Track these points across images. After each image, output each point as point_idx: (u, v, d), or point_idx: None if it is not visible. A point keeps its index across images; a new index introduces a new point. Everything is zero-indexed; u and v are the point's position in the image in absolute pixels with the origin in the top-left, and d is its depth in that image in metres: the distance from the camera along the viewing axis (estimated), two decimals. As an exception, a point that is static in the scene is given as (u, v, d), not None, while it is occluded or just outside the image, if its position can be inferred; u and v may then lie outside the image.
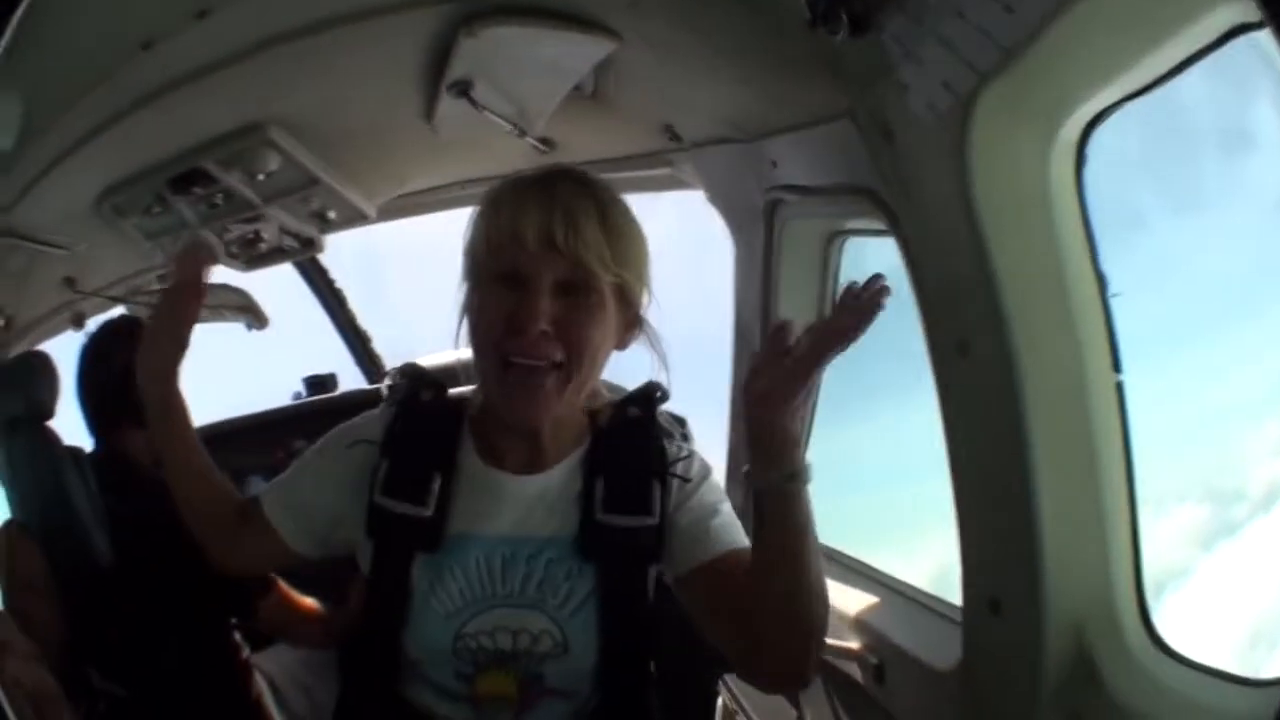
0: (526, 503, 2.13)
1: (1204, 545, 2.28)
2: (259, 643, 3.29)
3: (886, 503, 3.46)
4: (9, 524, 3.15)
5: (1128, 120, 1.86)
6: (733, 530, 2.14)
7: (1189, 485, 2.31)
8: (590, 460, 2.17)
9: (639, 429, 2.20)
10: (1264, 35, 1.30)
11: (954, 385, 2.16)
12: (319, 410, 5.15)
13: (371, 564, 2.15)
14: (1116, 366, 1.91)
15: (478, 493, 2.14)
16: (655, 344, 2.16)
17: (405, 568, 2.11)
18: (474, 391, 2.26)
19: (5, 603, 3.01)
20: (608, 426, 2.20)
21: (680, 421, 2.35)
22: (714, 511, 2.15)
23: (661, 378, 2.23)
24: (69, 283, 4.22)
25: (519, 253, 1.94)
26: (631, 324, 2.11)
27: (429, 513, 2.09)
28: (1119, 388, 1.91)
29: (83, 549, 3.09)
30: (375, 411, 2.25)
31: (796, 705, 3.16)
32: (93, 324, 4.24)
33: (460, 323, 2.13)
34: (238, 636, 3.29)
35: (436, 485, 2.11)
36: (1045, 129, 1.84)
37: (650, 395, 2.22)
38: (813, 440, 3.50)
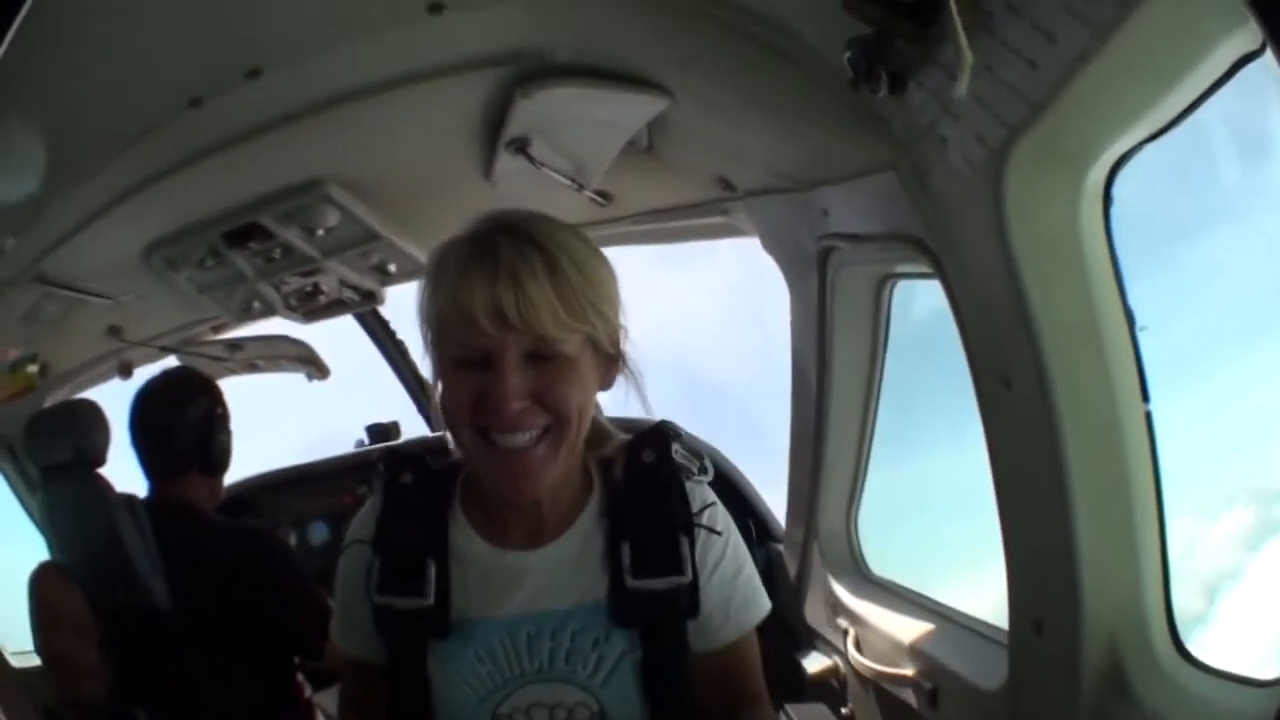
0: (540, 578, 2.06)
1: (1252, 546, 2.34)
2: (322, 682, 3.35)
3: (944, 532, 3.53)
4: (47, 565, 3.28)
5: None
6: (748, 607, 2.11)
7: (1236, 489, 2.36)
8: (611, 519, 2.07)
9: (658, 477, 2.09)
10: (1268, 59, 1.37)
11: (998, 419, 2.28)
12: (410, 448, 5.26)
13: (387, 659, 2.10)
14: (1145, 397, 2.02)
15: (486, 576, 2.07)
16: (638, 379, 2.05)
17: (419, 659, 2.06)
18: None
19: (42, 641, 3.11)
20: (624, 477, 2.10)
21: (698, 455, 2.16)
22: (735, 585, 2.10)
23: (640, 404, 2.10)
24: (114, 331, 4.30)
25: (475, 335, 1.83)
26: (611, 363, 2.00)
27: (429, 602, 2.03)
28: (1148, 417, 2.03)
29: (137, 591, 3.19)
30: (369, 504, 2.17)
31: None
32: (140, 373, 4.40)
33: (434, 395, 2.01)
34: (300, 677, 3.41)
35: (432, 573, 2.04)
36: (1074, 175, 1.97)
37: (663, 436, 2.11)
38: (870, 475, 3.65)
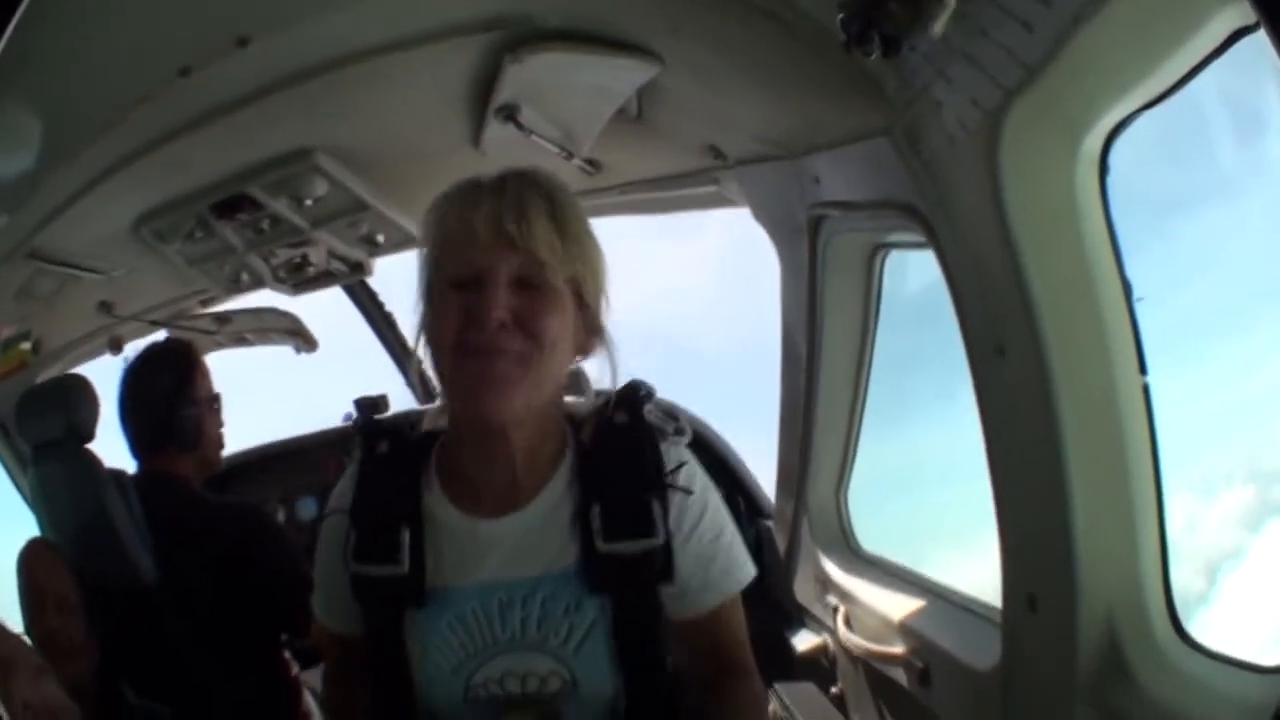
0: (512, 544, 2.07)
1: (1252, 527, 2.35)
2: (310, 660, 3.35)
3: (936, 506, 3.55)
4: (36, 542, 3.31)
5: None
6: (730, 572, 2.12)
7: (1234, 467, 2.37)
8: (581, 482, 2.09)
9: (629, 437, 2.10)
10: (1261, 35, 1.36)
11: (991, 389, 2.28)
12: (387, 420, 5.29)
13: (365, 628, 2.14)
14: (1143, 369, 2.01)
15: (459, 543, 2.09)
16: (612, 352, 2.10)
17: (396, 628, 2.08)
18: (436, 418, 2.25)
19: (30, 620, 3.11)
20: (593, 439, 2.12)
21: (672, 416, 2.18)
22: (715, 549, 2.10)
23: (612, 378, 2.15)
24: (105, 307, 4.32)
25: (472, 250, 1.93)
26: (591, 330, 2.06)
27: (405, 570, 2.06)
28: (1145, 389, 2.01)
29: (125, 567, 3.22)
30: (345, 476, 2.22)
31: (844, 711, 3.30)
32: (131, 348, 4.24)
33: (418, 342, 2.07)
34: (288, 654, 3.42)
35: (406, 539, 2.06)
36: (1070, 141, 1.96)
37: (635, 396, 2.13)
38: (860, 447, 3.64)
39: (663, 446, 2.08)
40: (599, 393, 2.18)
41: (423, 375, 2.17)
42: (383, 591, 2.07)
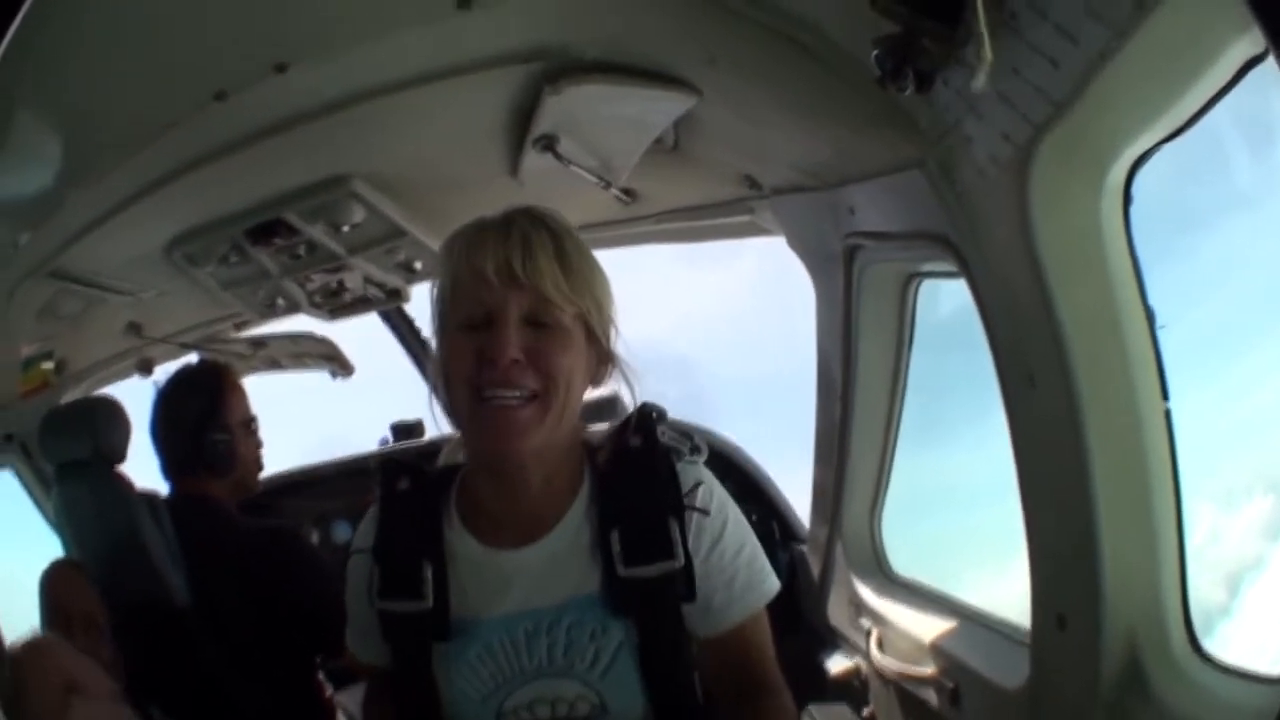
0: (535, 573, 2.11)
1: (1273, 536, 2.36)
2: (343, 681, 3.40)
3: (968, 528, 3.59)
4: (61, 564, 3.31)
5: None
6: (753, 588, 2.14)
7: (1254, 479, 2.37)
8: (599, 508, 2.12)
9: (643, 460, 2.14)
10: (1270, 63, 1.41)
11: (1022, 417, 2.34)
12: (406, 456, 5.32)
13: (393, 663, 2.19)
14: (1165, 394, 2.08)
15: (483, 575, 2.13)
16: (627, 377, 2.15)
17: (424, 661, 2.13)
18: (454, 451, 2.32)
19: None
20: (608, 464, 2.15)
21: (687, 435, 2.21)
22: (736, 566, 2.13)
23: (609, 406, 2.24)
24: (134, 329, 4.34)
25: (482, 291, 1.97)
26: (603, 359, 2.10)
27: (429, 604, 2.10)
28: (1167, 415, 2.08)
29: (156, 589, 3.23)
30: (369, 515, 2.25)
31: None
32: (162, 371, 4.38)
33: (435, 384, 2.11)
34: (321, 676, 3.45)
35: (429, 574, 2.10)
36: (1095, 174, 2.02)
37: (647, 419, 2.16)
38: (894, 471, 3.71)
39: (679, 467, 2.12)
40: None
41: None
42: (408, 627, 2.12)
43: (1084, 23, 1.74)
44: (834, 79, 2.48)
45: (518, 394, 1.97)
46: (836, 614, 3.86)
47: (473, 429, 2.06)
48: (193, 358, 4.52)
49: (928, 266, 3.23)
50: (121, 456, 3.41)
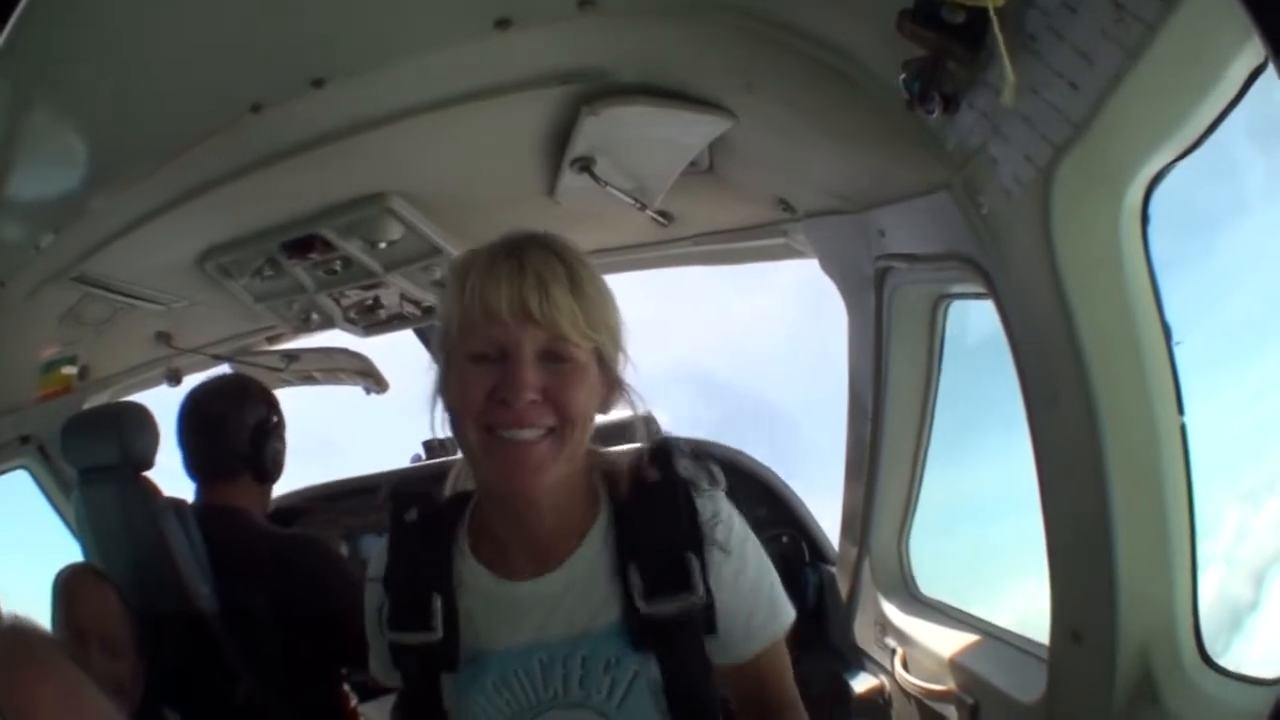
0: (549, 605, 2.11)
1: None
2: (368, 694, 3.44)
3: (992, 544, 3.66)
4: (81, 571, 3.28)
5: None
6: (773, 619, 2.16)
7: (1276, 476, 2.41)
8: (617, 541, 2.12)
9: (663, 495, 2.14)
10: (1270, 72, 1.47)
11: (1044, 435, 2.41)
12: (436, 474, 5.27)
13: (404, 693, 2.23)
14: (1180, 409, 2.15)
15: (495, 607, 2.13)
16: (637, 404, 2.14)
17: (434, 692, 2.14)
18: (459, 482, 2.30)
19: (75, 647, 2.94)
20: (628, 496, 2.15)
21: (706, 469, 2.22)
22: (756, 599, 2.15)
23: (646, 428, 2.21)
24: (163, 338, 4.42)
25: (495, 328, 1.95)
26: (612, 386, 2.10)
27: (438, 636, 2.11)
28: (1183, 430, 2.15)
29: (182, 596, 3.26)
30: (383, 546, 2.27)
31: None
32: (190, 381, 4.46)
33: (434, 405, 2.11)
34: (346, 687, 3.49)
35: (438, 607, 2.11)
36: (1114, 194, 2.11)
37: (667, 453, 2.17)
38: (922, 492, 3.80)
39: (697, 500, 2.12)
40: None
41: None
42: (418, 657, 2.14)
43: (1099, 44, 1.83)
44: (865, 103, 2.57)
45: (533, 432, 1.96)
46: (863, 634, 3.92)
47: (486, 465, 2.04)
48: (224, 369, 4.69)
49: (956, 288, 3.30)
50: (150, 463, 3.44)
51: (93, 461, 3.45)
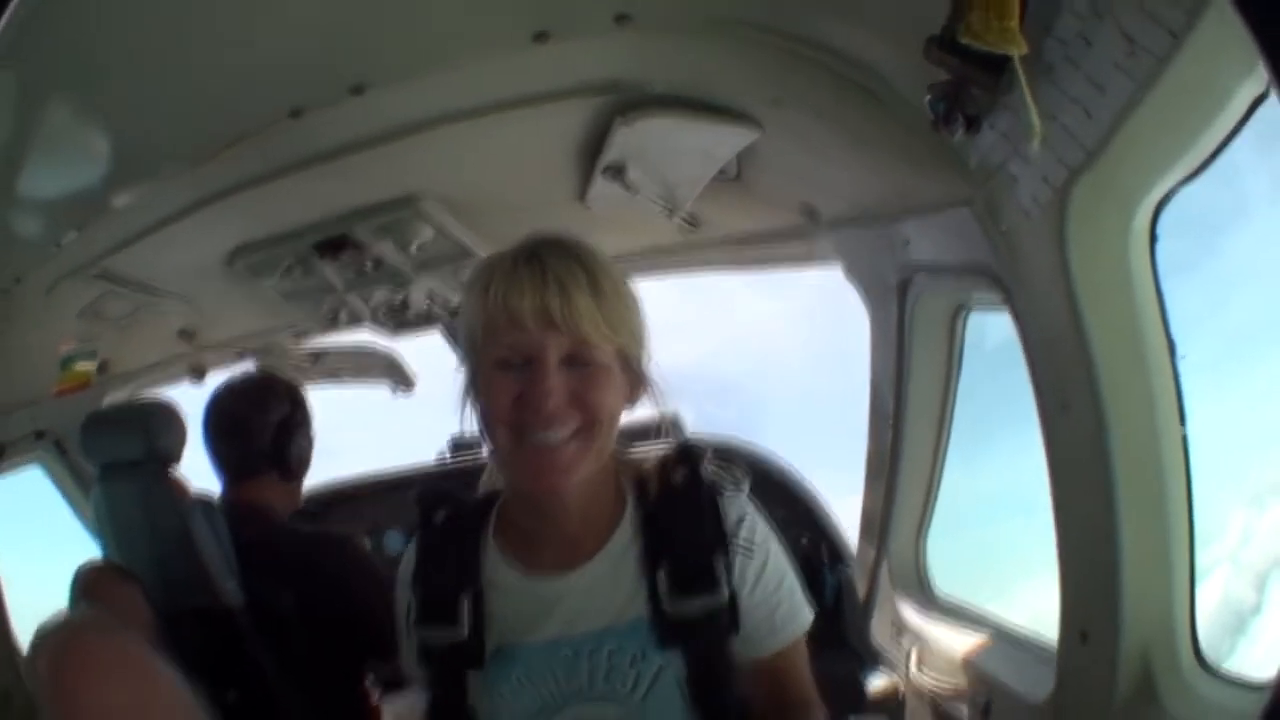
0: (575, 600, 2.18)
1: None
2: (389, 687, 3.44)
3: (1007, 544, 3.73)
4: (101, 567, 3.27)
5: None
6: (794, 617, 2.24)
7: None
8: (644, 541, 2.19)
9: (689, 498, 2.21)
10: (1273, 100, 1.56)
11: (1057, 442, 2.52)
12: (462, 472, 5.07)
13: (429, 691, 2.26)
14: (1183, 420, 2.26)
15: (522, 603, 2.19)
16: (661, 399, 2.21)
17: (461, 689, 2.20)
18: (492, 481, 2.36)
19: None
20: (655, 497, 2.22)
21: (730, 471, 2.30)
22: (778, 598, 2.22)
23: (670, 427, 2.29)
24: (186, 335, 4.40)
25: (519, 334, 2.01)
26: (637, 384, 2.17)
27: (464, 634, 2.17)
28: (1184, 440, 2.27)
29: (208, 592, 3.24)
30: (410, 546, 2.34)
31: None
32: (214, 378, 4.34)
33: (463, 407, 2.18)
34: (369, 682, 3.51)
35: (465, 606, 2.18)
36: (1124, 215, 2.24)
37: (692, 455, 2.25)
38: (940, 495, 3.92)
39: (722, 502, 2.20)
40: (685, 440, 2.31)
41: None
42: (445, 655, 2.20)
43: (1112, 74, 1.95)
44: (891, 119, 2.67)
45: (561, 434, 2.04)
46: (880, 634, 4.03)
47: (515, 467, 2.13)
48: (249, 365, 4.64)
49: (976, 299, 3.41)
50: (176, 459, 3.41)
51: (116, 457, 3.42)
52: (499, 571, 2.22)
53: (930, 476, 3.96)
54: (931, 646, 3.73)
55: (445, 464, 5.52)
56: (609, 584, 2.18)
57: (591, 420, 2.06)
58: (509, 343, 2.03)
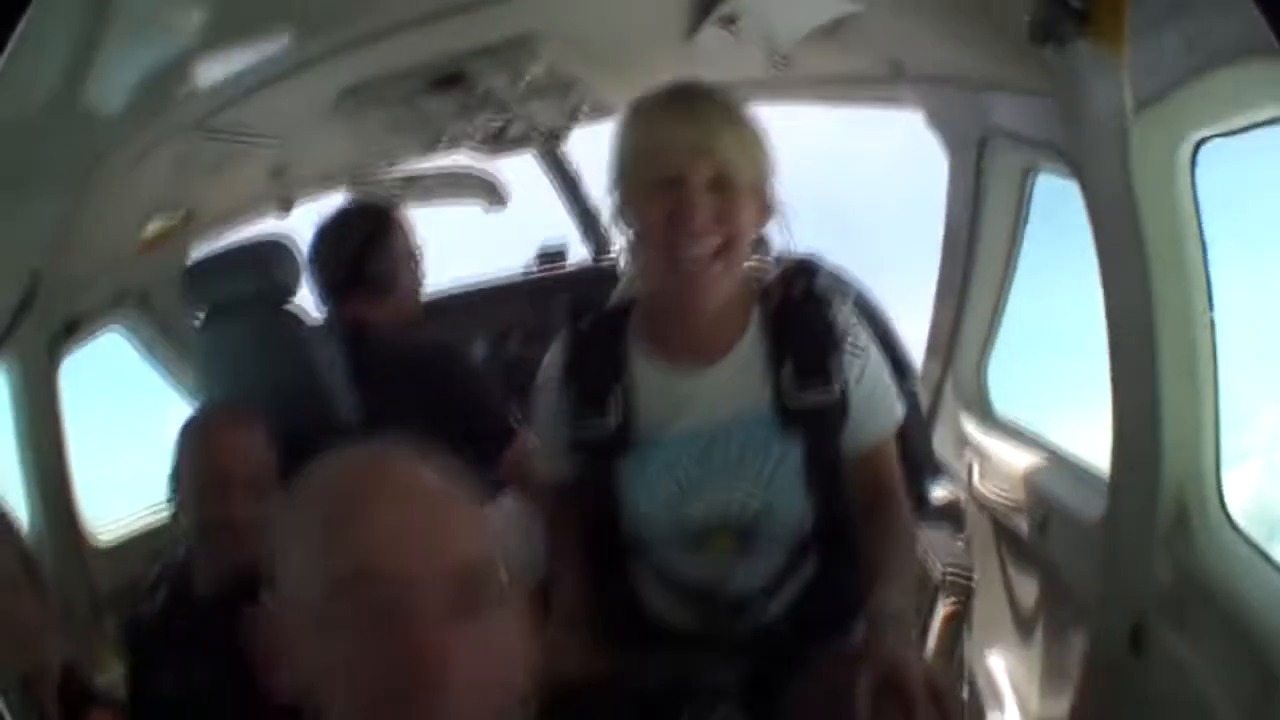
0: (710, 393, 2.42)
1: None
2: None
3: (1067, 375, 3.90)
4: (220, 410, 3.21)
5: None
6: (890, 412, 2.51)
7: None
8: (769, 342, 2.44)
9: (808, 304, 2.48)
10: None
11: (1112, 293, 2.75)
12: (549, 282, 5.59)
13: (579, 481, 2.51)
14: (1210, 306, 2.53)
15: (663, 396, 2.43)
16: (786, 224, 2.46)
17: (608, 475, 2.43)
18: (634, 288, 2.63)
19: (204, 501, 2.86)
20: (779, 305, 2.48)
21: (840, 288, 2.60)
22: (877, 394, 2.49)
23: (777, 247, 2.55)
24: (277, 172, 4.49)
25: (671, 157, 2.26)
26: (766, 207, 2.39)
27: (616, 422, 2.42)
28: (1211, 324, 2.53)
29: (326, 411, 3.37)
30: (554, 346, 2.57)
31: (970, 555, 3.75)
32: (303, 212, 4.56)
33: (613, 227, 2.47)
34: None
35: (615, 398, 2.42)
36: (1174, 144, 2.51)
37: (810, 267, 2.53)
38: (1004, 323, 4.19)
39: (833, 311, 2.48)
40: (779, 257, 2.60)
41: (600, 234, 2.76)
42: (596, 445, 2.45)
43: (1198, 40, 2.18)
44: (993, 4, 2.83)
45: (706, 250, 2.28)
46: (942, 448, 4.10)
47: (664, 285, 2.41)
48: (341, 196, 4.80)
49: (1046, 166, 3.64)
50: (292, 292, 3.54)
51: (229, 296, 3.52)
52: (641, 368, 2.47)
53: (995, 304, 4.23)
54: (992, 462, 3.98)
55: (531, 275, 5.81)
56: (740, 380, 2.44)
57: (732, 240, 2.30)
58: (661, 164, 2.28)
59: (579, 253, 6.09)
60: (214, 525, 2.82)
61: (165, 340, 4.27)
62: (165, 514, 3.01)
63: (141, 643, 2.97)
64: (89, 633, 3.36)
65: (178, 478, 2.91)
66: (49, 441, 3.61)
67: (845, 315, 2.50)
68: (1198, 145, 2.52)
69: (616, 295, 2.79)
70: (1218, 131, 2.47)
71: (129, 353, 4.22)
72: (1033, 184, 3.94)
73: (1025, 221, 4.05)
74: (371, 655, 1.26)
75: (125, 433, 4.04)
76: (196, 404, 3.71)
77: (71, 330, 3.82)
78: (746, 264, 2.46)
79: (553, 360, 2.58)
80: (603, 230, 5.99)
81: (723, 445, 2.42)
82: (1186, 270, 2.54)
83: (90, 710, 2.52)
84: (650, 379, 2.47)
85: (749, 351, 2.46)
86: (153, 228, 4.04)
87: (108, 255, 3.99)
